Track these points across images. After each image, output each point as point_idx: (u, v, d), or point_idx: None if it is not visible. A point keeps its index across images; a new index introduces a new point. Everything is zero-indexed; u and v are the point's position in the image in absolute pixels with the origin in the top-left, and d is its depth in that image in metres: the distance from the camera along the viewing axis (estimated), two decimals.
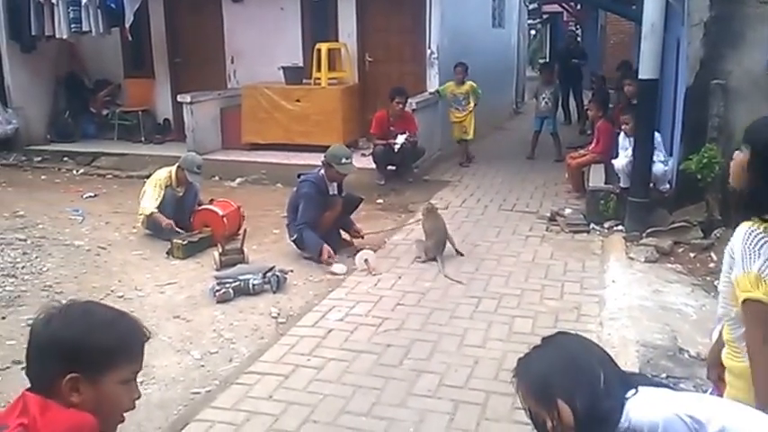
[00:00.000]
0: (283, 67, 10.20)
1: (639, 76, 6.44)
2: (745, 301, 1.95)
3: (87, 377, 1.51)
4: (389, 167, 8.86)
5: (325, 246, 5.96)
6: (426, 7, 9.87)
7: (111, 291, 5.43)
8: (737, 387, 2.09)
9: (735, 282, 1.98)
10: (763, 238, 1.95)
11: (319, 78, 9.95)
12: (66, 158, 10.48)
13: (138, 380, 1.64)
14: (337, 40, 10.45)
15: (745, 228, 1.99)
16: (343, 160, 6.23)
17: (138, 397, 1.63)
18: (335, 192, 6.40)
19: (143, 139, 11.08)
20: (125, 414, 1.62)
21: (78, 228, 7.16)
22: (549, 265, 5.98)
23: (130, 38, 10.29)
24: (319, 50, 9.87)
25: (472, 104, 10.00)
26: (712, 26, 5.26)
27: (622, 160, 7.11)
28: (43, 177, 9.75)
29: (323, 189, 6.26)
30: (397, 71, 10.39)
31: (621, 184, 7.14)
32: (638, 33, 10.92)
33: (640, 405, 1.57)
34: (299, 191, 6.28)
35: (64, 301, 1.64)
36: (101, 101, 11.55)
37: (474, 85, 10.00)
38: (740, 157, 2.07)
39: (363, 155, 9.38)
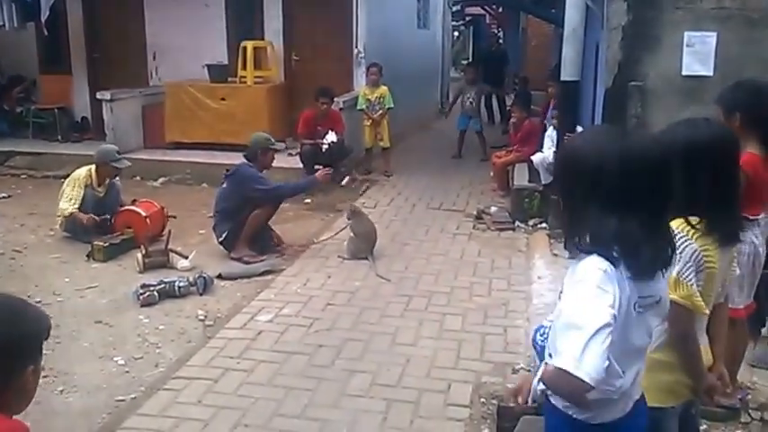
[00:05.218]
0: (208, 65, 10.02)
1: (561, 78, 6.62)
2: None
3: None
4: (317, 167, 8.75)
5: (318, 174, 6.58)
6: (353, 6, 9.88)
7: (28, 296, 5.14)
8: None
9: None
10: (686, 241, 2.02)
11: (245, 77, 9.82)
12: None
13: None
14: (263, 39, 10.32)
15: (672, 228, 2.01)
16: (273, 139, 6.40)
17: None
18: None
19: (60, 137, 10.63)
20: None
21: None
22: (476, 262, 6.07)
23: (46, 32, 9.89)
24: (245, 48, 9.73)
25: (385, 108, 9.33)
26: (630, 30, 5.41)
27: (541, 154, 7.27)
28: None
29: None
30: (323, 70, 10.30)
31: (542, 181, 7.31)
32: (558, 36, 11.25)
33: None
34: (236, 176, 6.15)
35: None
36: (14, 97, 11.05)
37: (387, 91, 9.32)
38: None
39: (290, 154, 9.29)
